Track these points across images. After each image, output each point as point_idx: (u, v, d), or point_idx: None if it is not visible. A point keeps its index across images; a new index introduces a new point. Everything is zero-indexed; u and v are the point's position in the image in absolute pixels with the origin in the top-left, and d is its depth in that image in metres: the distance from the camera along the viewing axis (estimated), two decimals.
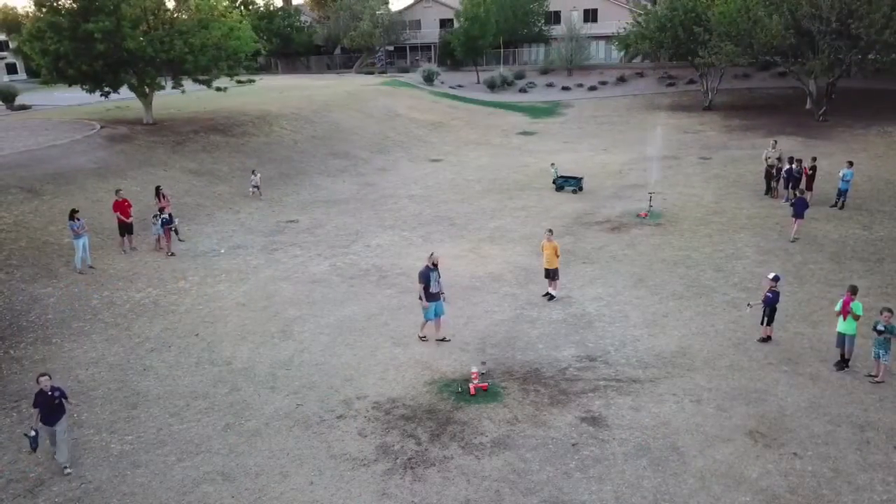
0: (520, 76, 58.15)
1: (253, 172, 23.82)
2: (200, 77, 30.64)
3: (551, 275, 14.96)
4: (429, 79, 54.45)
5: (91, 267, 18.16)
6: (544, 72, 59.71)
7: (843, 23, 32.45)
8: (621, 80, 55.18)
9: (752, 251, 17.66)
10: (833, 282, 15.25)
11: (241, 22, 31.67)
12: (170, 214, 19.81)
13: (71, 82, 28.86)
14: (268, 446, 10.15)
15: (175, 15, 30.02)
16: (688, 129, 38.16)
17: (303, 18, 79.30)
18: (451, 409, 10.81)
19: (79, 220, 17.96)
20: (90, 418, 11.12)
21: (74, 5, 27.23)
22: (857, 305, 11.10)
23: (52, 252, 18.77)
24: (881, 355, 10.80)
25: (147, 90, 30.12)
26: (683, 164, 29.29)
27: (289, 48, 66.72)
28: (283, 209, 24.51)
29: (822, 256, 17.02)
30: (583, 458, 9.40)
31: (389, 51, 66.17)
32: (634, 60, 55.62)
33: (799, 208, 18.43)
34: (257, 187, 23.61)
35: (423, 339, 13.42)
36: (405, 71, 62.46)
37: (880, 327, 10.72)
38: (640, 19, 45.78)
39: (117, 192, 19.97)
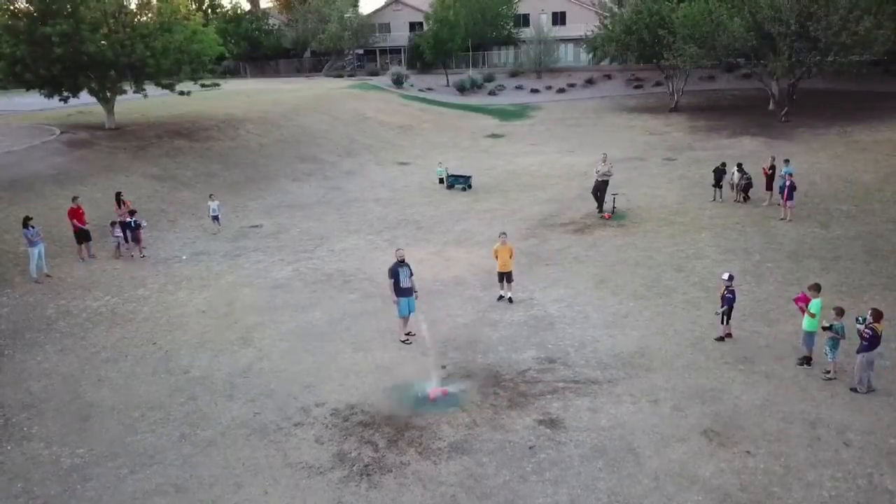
0: (489, 79, 58.32)
1: (210, 198, 22.35)
2: (163, 81, 30.18)
3: (506, 277, 14.96)
4: (398, 82, 54.36)
5: (48, 275, 17.77)
6: (514, 74, 59.97)
7: (803, 25, 33.09)
8: (590, 82, 55.64)
9: (712, 251, 17.88)
10: (791, 280, 15.48)
11: (204, 25, 31.30)
12: (134, 220, 19.60)
13: (29, 87, 28.27)
14: (223, 456, 9.98)
15: (136, 18, 29.50)
16: (654, 130, 38.58)
17: (271, 21, 78.74)
18: (409, 415, 10.75)
19: (33, 227, 17.55)
20: (41, 431, 10.84)
21: (31, 8, 26.64)
22: (815, 303, 11.27)
23: (7, 261, 18.34)
24: (828, 352, 10.99)
25: (108, 95, 29.56)
26: (649, 165, 29.61)
27: (257, 52, 66.13)
28: (247, 214, 24.25)
29: (780, 255, 17.29)
30: (539, 461, 9.40)
31: (359, 54, 65.92)
32: (602, 63, 56.10)
33: (790, 191, 19.72)
34: (216, 218, 21.87)
35: (405, 341, 13.31)
36: (375, 74, 62.26)
37: (825, 324, 10.91)
38: (606, 22, 46.21)
39: (74, 199, 19.56)
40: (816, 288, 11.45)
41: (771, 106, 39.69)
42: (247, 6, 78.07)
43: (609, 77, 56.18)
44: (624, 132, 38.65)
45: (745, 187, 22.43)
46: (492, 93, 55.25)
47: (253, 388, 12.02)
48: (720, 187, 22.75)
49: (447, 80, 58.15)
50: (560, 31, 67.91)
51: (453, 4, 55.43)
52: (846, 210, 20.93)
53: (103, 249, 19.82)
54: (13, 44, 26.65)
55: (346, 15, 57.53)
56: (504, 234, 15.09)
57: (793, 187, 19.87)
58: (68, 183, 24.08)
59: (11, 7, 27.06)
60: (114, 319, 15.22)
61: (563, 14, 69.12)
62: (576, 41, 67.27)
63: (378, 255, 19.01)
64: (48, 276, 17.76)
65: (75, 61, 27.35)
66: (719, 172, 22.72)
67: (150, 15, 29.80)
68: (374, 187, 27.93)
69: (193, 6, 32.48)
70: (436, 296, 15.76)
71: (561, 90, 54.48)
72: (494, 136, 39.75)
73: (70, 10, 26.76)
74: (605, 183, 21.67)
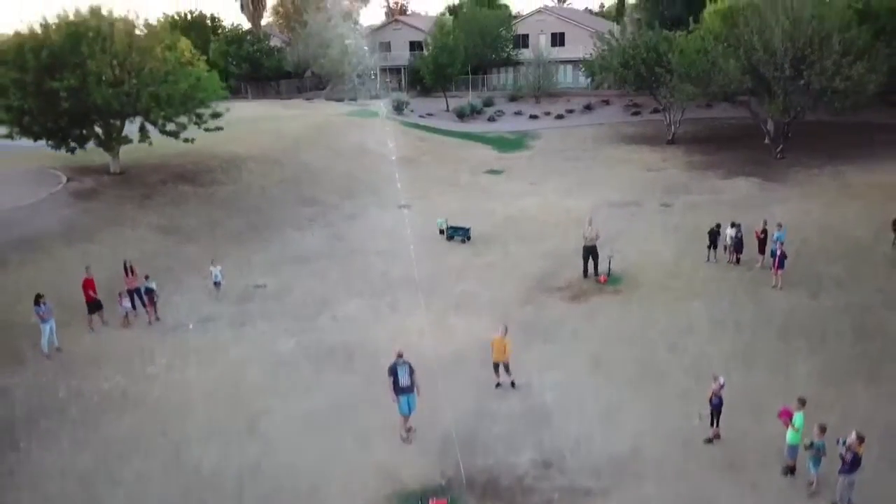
0: (488, 103, 58.86)
1: (212, 263, 22.40)
2: (168, 129, 30.68)
3: (503, 366, 15.44)
4: (398, 108, 54.91)
5: (58, 349, 18.30)
6: (513, 98, 60.52)
7: (797, 69, 33.61)
8: (588, 108, 56.19)
9: (705, 325, 18.39)
10: (779, 365, 16.00)
11: (207, 71, 31.82)
12: (146, 287, 20.24)
13: (36, 138, 28.79)
14: None
15: (142, 68, 29.98)
16: (651, 166, 39.10)
17: (272, 41, 79.21)
18: None
19: (45, 304, 18.08)
20: None
21: (38, 62, 27.13)
22: (798, 418, 11.77)
23: (19, 333, 18.84)
24: (811, 467, 11.51)
25: (113, 145, 30.08)
26: (645, 212, 30.12)
27: (258, 73, 66.65)
28: (251, 270, 24.74)
29: (769, 332, 17.80)
30: None
31: (359, 77, 66.52)
32: (601, 87, 56.59)
33: (781, 259, 20.32)
34: (218, 283, 22.14)
35: (405, 438, 13.81)
36: (375, 97, 62.76)
37: (806, 442, 11.42)
38: (604, 52, 46.74)
39: (87, 268, 20.07)
40: (801, 402, 11.95)
41: (766, 140, 40.19)
42: (246, 24, 78.70)
43: (607, 103, 56.72)
44: (621, 167, 39.15)
45: (736, 246, 22.92)
46: (491, 118, 55.77)
47: (261, 487, 12.54)
48: (715, 247, 23.26)
49: (447, 104, 58.68)
50: (559, 53, 68.55)
51: (453, 30, 55.93)
52: (836, 275, 21.41)
53: (111, 314, 20.31)
54: (21, 97, 27.18)
55: (347, 41, 57.97)
56: (505, 327, 15.53)
57: (783, 256, 20.38)
58: (76, 240, 24.65)
59: (19, 60, 27.48)
60: (124, 404, 15.73)
61: (561, 35, 69.78)
62: (574, 63, 68.01)
63: (380, 325, 19.58)
64: (59, 349, 18.29)
65: (82, 113, 27.88)
66: (714, 234, 23.22)
67: (155, 63, 30.23)
68: (375, 236, 28.42)
69: (196, 52, 32.79)
70: (436, 376, 16.22)
71: (559, 116, 55.01)
72: (493, 171, 40.24)
73: (77, 63, 27.30)
74: (594, 248, 22.17)
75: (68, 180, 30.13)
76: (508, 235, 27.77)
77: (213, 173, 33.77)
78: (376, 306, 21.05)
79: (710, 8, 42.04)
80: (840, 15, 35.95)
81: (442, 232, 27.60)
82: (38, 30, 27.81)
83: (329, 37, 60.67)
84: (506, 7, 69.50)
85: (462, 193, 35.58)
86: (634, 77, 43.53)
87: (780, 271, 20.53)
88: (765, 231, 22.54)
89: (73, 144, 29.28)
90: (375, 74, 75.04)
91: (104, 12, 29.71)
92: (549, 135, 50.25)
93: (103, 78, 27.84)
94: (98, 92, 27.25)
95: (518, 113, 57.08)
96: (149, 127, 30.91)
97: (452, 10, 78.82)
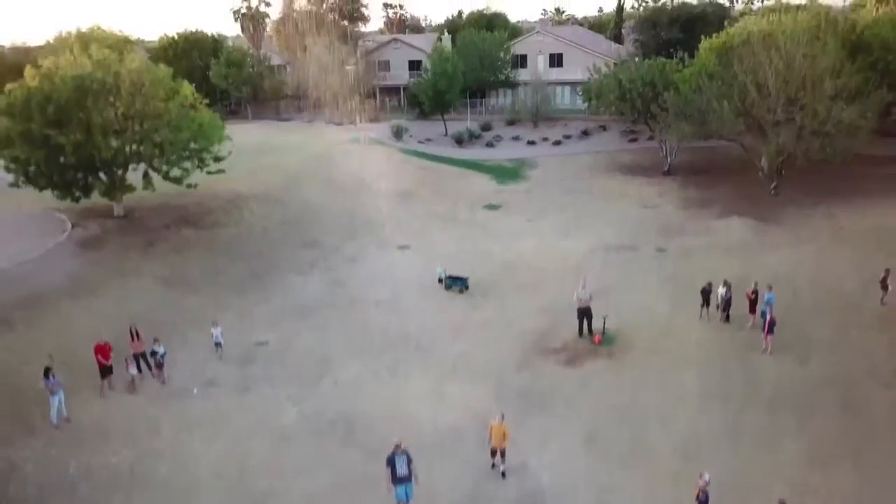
0: (487, 128, 59.41)
1: (213, 324, 22.83)
2: (171, 175, 31.19)
3: (500, 453, 15.92)
4: (398, 134, 55.42)
5: (67, 420, 18.80)
6: (511, 122, 61.04)
7: (789, 112, 34.18)
8: (585, 133, 56.72)
9: (695, 396, 18.93)
10: (766, 443, 16.54)
11: (210, 118, 32.33)
12: (153, 350, 20.81)
13: (42, 188, 29.29)
14: None
15: (145, 115, 30.51)
16: (647, 202, 39.61)
17: (272, 61, 79.71)
18: None
19: (53, 377, 18.59)
20: None
21: (45, 116, 27.63)
22: None
23: (28, 400, 19.34)
24: None
25: (118, 195, 30.60)
26: (641, 258, 30.63)
27: (258, 94, 67.22)
28: (254, 323, 25.26)
29: (758, 404, 18.33)
30: None
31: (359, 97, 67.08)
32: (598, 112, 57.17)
33: (771, 326, 20.87)
34: (219, 344, 22.58)
35: None
36: (374, 120, 63.32)
37: None
38: (601, 84, 47.29)
39: (100, 338, 20.60)
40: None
41: (761, 174, 40.71)
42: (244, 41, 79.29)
43: (604, 128, 57.21)
44: (617, 203, 39.66)
45: (726, 304, 23.45)
46: (489, 144, 56.29)
47: None
48: (707, 305, 23.78)
49: (445, 128, 59.20)
50: (557, 74, 69.12)
51: (451, 56, 56.46)
52: (826, 338, 21.93)
53: (118, 378, 20.80)
54: (27, 150, 27.69)
55: (347, 67, 58.49)
56: (502, 415, 16.00)
57: (773, 322, 20.90)
58: (82, 294, 25.16)
59: (26, 113, 28.01)
60: (132, 483, 16.24)
61: (559, 56, 70.29)
62: (572, 84, 68.61)
63: (380, 391, 20.15)
64: (68, 420, 18.79)
65: (87, 164, 28.40)
66: (706, 293, 23.74)
67: (158, 111, 30.76)
68: (375, 283, 28.92)
69: (198, 95, 33.32)
70: (433, 454, 16.74)
71: (557, 142, 55.53)
72: (491, 206, 40.74)
73: (82, 116, 27.83)
74: (588, 309, 22.69)
75: (73, 226, 30.67)
76: (505, 285, 28.29)
77: (214, 214, 34.29)
78: (376, 369, 21.56)
79: (705, 44, 42.61)
80: (833, 53, 36.52)
81: (441, 281, 28.11)
82: (46, 83, 28.28)
83: (329, 61, 61.16)
84: (503, 31, 69.72)
85: (460, 232, 36.06)
86: (631, 109, 44.08)
87: (769, 337, 21.05)
88: (755, 292, 23.06)
89: (77, 194, 29.70)
90: (375, 95, 75.74)
91: (109, 62, 30.23)
92: (546, 163, 50.73)
93: (107, 131, 28.32)
94: (103, 145, 27.78)
95: (516, 138, 57.60)
96: (152, 173, 31.34)
97: (452, 30, 79.31)
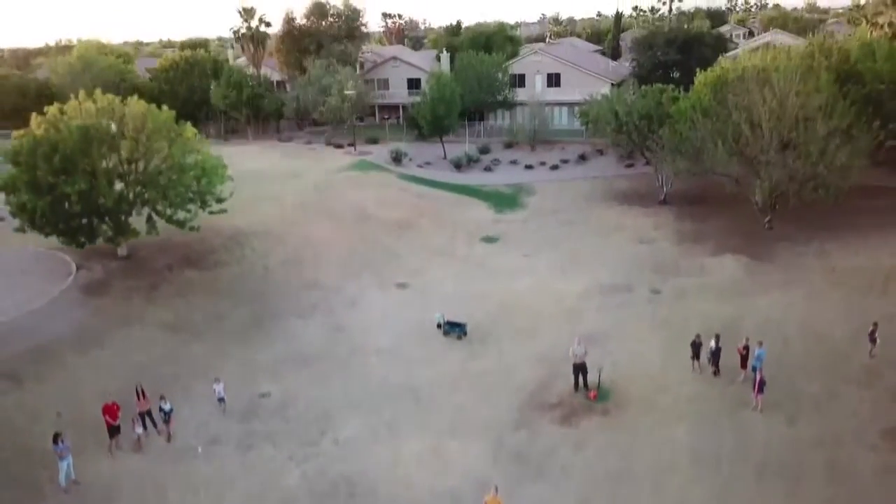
0: (485, 150, 60.01)
1: (216, 381, 23.29)
2: (174, 218, 31.70)
3: None
4: (397, 159, 56.01)
5: (75, 482, 19.34)
6: (509, 145, 61.63)
7: (782, 153, 34.78)
8: (582, 158, 57.30)
9: (686, 459, 19.50)
10: None
11: (212, 160, 32.84)
12: (161, 407, 21.41)
13: (47, 235, 29.83)
14: None
15: (149, 161, 31.07)
16: (643, 235, 40.14)
17: (273, 74, 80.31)
18: None
19: (62, 442, 19.14)
20: None
21: (50, 166, 28.14)
22: None
23: (36, 461, 19.94)
24: None
25: (121, 240, 31.12)
26: (635, 301, 31.17)
27: (259, 114, 67.75)
28: (256, 373, 25.82)
29: (747, 470, 18.91)
30: None
31: (359, 119, 67.81)
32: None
33: (761, 385, 21.41)
34: (222, 399, 23.09)
35: None
36: (374, 141, 63.86)
37: None
38: (599, 115, 47.89)
39: (109, 399, 21.17)
40: None
41: (756, 207, 41.21)
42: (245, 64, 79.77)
43: (601, 152, 57.72)
44: (614, 237, 40.21)
45: (716, 358, 24.03)
46: (488, 168, 56.87)
47: None
48: (698, 358, 24.36)
49: (444, 151, 59.77)
50: (555, 94, 69.73)
51: (449, 82, 57.03)
52: (814, 394, 22.51)
53: (124, 436, 21.33)
54: (33, 199, 28.22)
55: (347, 92, 58.98)
56: (496, 487, 16.54)
57: (763, 382, 21.46)
58: (88, 345, 25.74)
59: (31, 161, 28.52)
60: None
61: (557, 76, 70.90)
62: (570, 105, 69.21)
63: (380, 451, 20.69)
64: (76, 483, 19.33)
65: (91, 211, 28.94)
66: (696, 346, 24.31)
67: (161, 155, 31.31)
68: (375, 329, 29.46)
69: (201, 136, 33.86)
70: None
71: (554, 167, 56.14)
72: (489, 239, 41.28)
73: (88, 165, 28.38)
74: (583, 364, 23.27)
75: (78, 269, 31.17)
76: (503, 330, 28.85)
77: (216, 253, 34.81)
78: (375, 426, 22.11)
79: (700, 77, 43.20)
80: (826, 90, 37.11)
81: (439, 326, 28.65)
82: (52, 131, 28.83)
83: (328, 83, 61.69)
84: (501, 53, 70.30)
85: (458, 269, 36.60)
86: (627, 141, 44.72)
87: (759, 396, 21.61)
88: (746, 347, 23.63)
89: (83, 240, 30.19)
90: (375, 113, 76.37)
91: (113, 107, 30.81)
92: (543, 189, 51.29)
93: (111, 177, 28.88)
94: (107, 192, 28.32)
95: (514, 162, 58.17)
96: (155, 216, 31.87)
97: (450, 48, 79.91)
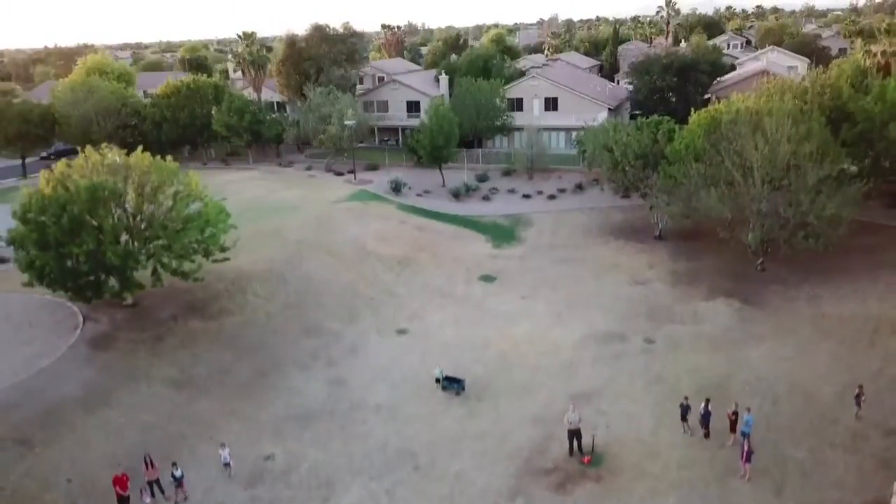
0: (483, 178, 60.74)
1: (221, 446, 23.93)
2: (179, 270, 32.38)
3: None
4: (397, 189, 56.71)
5: None
6: (507, 173, 62.36)
7: (773, 202, 35.56)
8: (579, 187, 57.95)
9: None
10: None
11: (219, 213, 33.53)
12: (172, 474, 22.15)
13: (55, 291, 30.55)
14: None
15: (153, 216, 31.80)
16: (638, 275, 40.87)
17: (273, 99, 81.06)
18: None
19: None
20: None
21: (59, 227, 28.82)
22: None
23: None
24: None
25: (127, 295, 31.82)
26: (629, 351, 31.90)
27: (259, 138, 68.46)
28: (259, 432, 26.57)
29: None
30: None
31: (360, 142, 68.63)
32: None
33: (749, 455, 22.12)
34: (228, 464, 23.69)
35: None
36: (374, 168, 64.64)
37: None
38: (595, 151, 48.62)
39: (118, 468, 21.92)
40: None
41: (748, 250, 41.93)
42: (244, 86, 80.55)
43: (597, 182, 58.30)
44: (609, 277, 40.94)
45: (706, 421, 24.78)
46: (486, 197, 57.58)
47: None
48: (687, 420, 25.12)
49: (442, 178, 60.47)
50: (552, 118, 70.49)
51: (448, 112, 57.72)
52: (801, 460, 23.26)
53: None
54: (42, 257, 28.93)
55: (347, 122, 59.64)
56: None
57: (751, 451, 22.19)
58: (96, 406, 26.50)
59: (40, 219, 29.21)
60: None
61: (555, 100, 71.70)
62: (567, 130, 69.99)
63: None
64: None
65: (99, 269, 29.65)
66: (685, 409, 25.08)
67: (165, 208, 32.04)
68: (375, 382, 30.16)
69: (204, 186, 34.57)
70: None
71: (552, 196, 56.85)
72: (487, 278, 41.98)
73: (96, 224, 29.10)
74: (578, 430, 24.02)
75: (84, 320, 31.92)
76: (500, 384, 29.59)
77: (220, 300, 35.53)
78: (376, 494, 22.88)
79: (694, 118, 43.93)
80: (818, 136, 37.85)
81: (438, 381, 29.37)
82: (61, 190, 29.55)
83: (328, 112, 62.37)
84: (499, 80, 71.02)
85: (457, 312, 37.27)
86: (620, 181, 45.57)
87: (747, 465, 22.36)
88: (735, 413, 24.38)
89: (90, 295, 30.88)
90: (374, 135, 77.02)
91: (121, 161, 31.55)
92: (541, 221, 51.95)
93: (118, 235, 29.63)
94: (114, 251, 29.03)
95: (512, 191, 58.83)
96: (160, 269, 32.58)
97: (449, 70, 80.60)
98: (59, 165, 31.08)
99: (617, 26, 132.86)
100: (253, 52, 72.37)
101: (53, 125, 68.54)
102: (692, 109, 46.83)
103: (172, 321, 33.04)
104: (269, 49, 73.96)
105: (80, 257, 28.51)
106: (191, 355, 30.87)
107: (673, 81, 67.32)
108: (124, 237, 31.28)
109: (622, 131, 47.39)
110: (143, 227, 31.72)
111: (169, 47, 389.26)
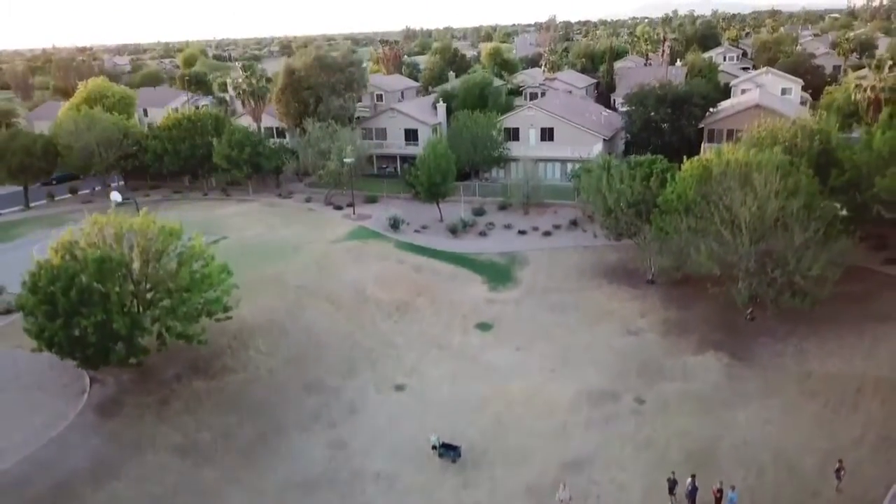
0: (480, 213, 61.76)
1: None
2: (184, 334, 33.31)
3: None
4: (395, 226, 57.70)
5: None
6: (503, 207, 63.36)
7: (760, 262, 36.58)
8: (574, 223, 58.95)
9: None
10: None
11: (222, 273, 34.47)
12: None
13: (62, 359, 31.48)
14: None
15: (158, 282, 32.76)
16: (630, 325, 41.86)
17: (272, 125, 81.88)
18: None
19: None
20: None
21: (68, 299, 29.76)
22: None
23: None
24: None
25: (132, 362, 32.77)
26: (621, 413, 32.86)
27: (259, 170, 69.35)
28: (262, 502, 27.52)
29: None
30: None
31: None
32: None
33: None
34: None
35: None
36: (373, 200, 65.69)
37: None
38: (589, 195, 49.62)
39: None
40: None
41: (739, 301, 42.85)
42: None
43: (592, 218, 59.28)
44: (602, 326, 41.91)
45: (692, 498, 25.80)
46: (482, 233, 58.57)
47: None
48: (674, 495, 26.14)
49: (440, 214, 61.44)
50: (548, 149, 71.55)
51: (445, 150, 58.69)
52: None
53: None
54: (51, 328, 29.87)
55: (346, 160, 60.59)
56: None
57: None
58: (104, 478, 27.52)
59: (49, 289, 30.14)
60: None
61: (551, 130, 72.78)
62: (562, 161, 71.02)
63: None
64: None
65: (106, 339, 30.61)
66: (672, 483, 26.10)
67: (170, 274, 32.99)
68: (375, 446, 31.11)
69: (207, 246, 35.48)
70: None
71: (547, 233, 57.84)
72: (484, 326, 42.93)
73: (103, 294, 30.04)
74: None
75: (91, 382, 32.91)
76: (496, 450, 30.54)
77: (222, 357, 36.49)
78: None
79: (686, 167, 44.91)
80: (806, 191, 38.87)
81: (434, 448, 30.29)
82: (70, 260, 30.52)
83: (327, 147, 63.32)
84: (496, 112, 72.06)
85: (453, 367, 38.11)
86: (614, 227, 46.64)
87: None
88: (720, 490, 25.40)
89: (97, 362, 31.82)
90: (373, 162, 77.90)
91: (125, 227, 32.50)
92: (536, 260, 52.87)
93: (125, 305, 30.59)
94: (121, 322, 29.98)
95: (508, 226, 59.79)
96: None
97: (447, 98, 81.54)
98: (65, 235, 31.98)
99: (612, 44, 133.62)
100: (253, 84, 73.11)
101: (56, 156, 69.42)
102: (687, 142, 47.69)
103: (176, 381, 34.01)
104: (269, 80, 74.67)
105: (89, 328, 29.41)
106: (195, 420, 31.82)
107: (667, 114, 68.23)
108: (130, 301, 32.20)
109: (615, 177, 48.33)
110: (148, 291, 32.64)
111: (167, 51, 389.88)
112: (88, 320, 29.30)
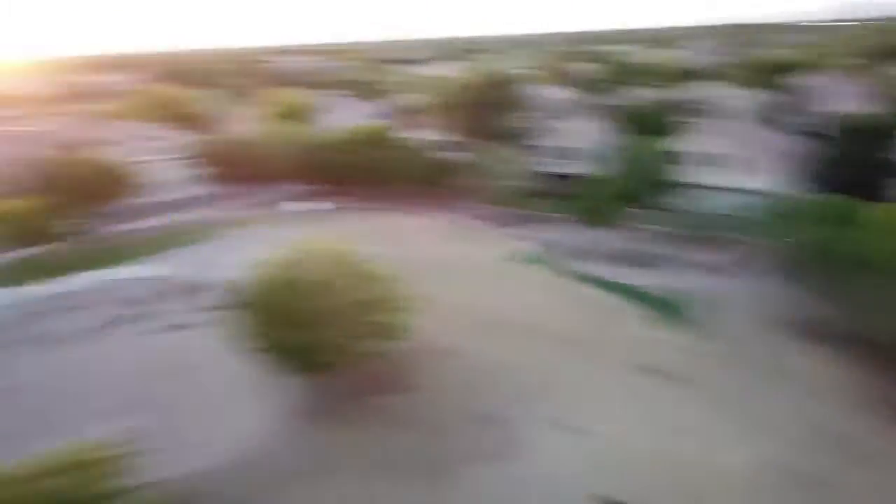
0: (656, 242, 59.51)
1: None
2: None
3: None
4: (569, 255, 57.17)
5: None
6: (683, 238, 60.54)
7: None
8: (763, 265, 55.15)
9: None
10: None
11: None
12: None
13: (274, 362, 34.17)
14: None
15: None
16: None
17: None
18: None
19: None
20: None
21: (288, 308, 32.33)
22: None
23: None
24: None
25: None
26: None
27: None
28: None
29: None
30: None
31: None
32: None
33: None
34: None
35: None
36: (541, 220, 65.22)
37: None
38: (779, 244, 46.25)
39: None
40: None
41: None
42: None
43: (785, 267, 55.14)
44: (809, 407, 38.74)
45: None
46: (659, 266, 56.43)
47: None
48: None
49: (612, 241, 59.84)
50: (716, 175, 67.30)
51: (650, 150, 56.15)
52: None
53: None
54: (272, 336, 32.61)
55: (510, 181, 60.83)
56: None
57: None
58: (310, 480, 29.37)
59: None
60: None
61: (724, 156, 68.37)
62: (748, 192, 66.44)
63: None
64: None
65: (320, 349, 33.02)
66: None
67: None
68: (543, 498, 30.61)
69: None
70: None
71: (734, 273, 54.59)
72: (661, 373, 41.21)
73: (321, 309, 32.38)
74: None
75: (297, 389, 35.54)
76: None
77: (410, 376, 37.96)
78: None
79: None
80: None
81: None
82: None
83: (497, 164, 63.82)
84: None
85: (624, 412, 36.76)
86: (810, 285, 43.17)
87: None
88: None
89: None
90: (541, 180, 76.86)
91: None
92: (728, 303, 49.31)
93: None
94: (333, 335, 32.32)
95: (687, 261, 56.96)
96: None
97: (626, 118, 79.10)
98: (287, 250, 34.70)
99: (795, 55, 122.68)
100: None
101: None
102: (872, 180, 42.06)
103: (367, 396, 35.90)
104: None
105: (306, 339, 31.72)
106: (383, 437, 33.34)
107: (866, 150, 61.62)
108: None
109: (804, 219, 44.54)
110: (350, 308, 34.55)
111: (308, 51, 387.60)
112: (307, 332, 31.63)
